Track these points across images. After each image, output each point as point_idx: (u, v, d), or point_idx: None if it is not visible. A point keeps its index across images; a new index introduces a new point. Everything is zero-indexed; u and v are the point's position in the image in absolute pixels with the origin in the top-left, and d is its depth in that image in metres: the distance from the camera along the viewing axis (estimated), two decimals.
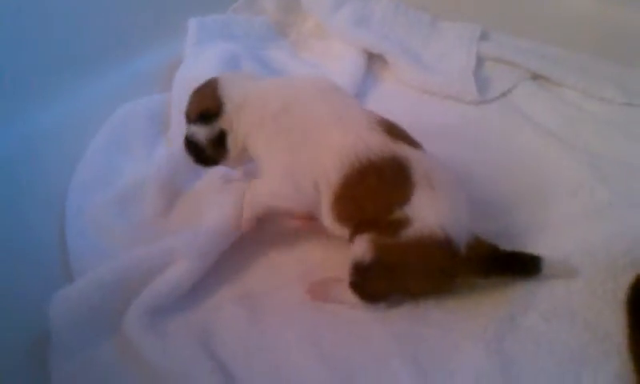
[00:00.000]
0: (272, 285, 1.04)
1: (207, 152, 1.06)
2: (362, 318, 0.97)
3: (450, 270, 0.92)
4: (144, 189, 1.19)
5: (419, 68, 1.59)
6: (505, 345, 0.91)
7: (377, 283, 0.94)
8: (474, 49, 1.65)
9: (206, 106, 1.04)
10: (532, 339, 0.91)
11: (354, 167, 0.92)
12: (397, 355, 0.90)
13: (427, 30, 1.76)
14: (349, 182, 0.93)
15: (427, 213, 0.89)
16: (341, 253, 0.99)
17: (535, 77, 1.58)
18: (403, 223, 0.89)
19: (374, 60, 1.65)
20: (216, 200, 1.09)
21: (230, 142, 1.04)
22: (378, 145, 0.93)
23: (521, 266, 0.97)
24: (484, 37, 1.72)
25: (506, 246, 0.98)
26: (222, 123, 1.03)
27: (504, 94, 1.54)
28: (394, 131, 0.97)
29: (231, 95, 1.03)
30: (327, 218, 0.97)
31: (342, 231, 0.97)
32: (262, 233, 1.10)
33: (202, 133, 1.04)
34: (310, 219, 1.05)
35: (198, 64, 1.46)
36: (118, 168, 1.26)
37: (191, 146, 1.07)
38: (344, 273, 0.96)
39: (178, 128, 1.21)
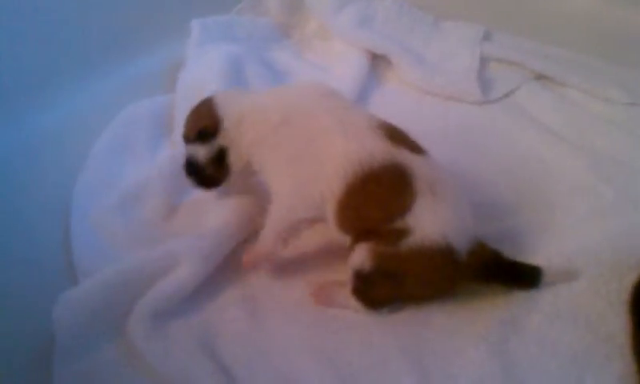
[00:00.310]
0: (274, 287, 1.04)
1: (207, 171, 1.06)
2: (364, 321, 0.96)
3: (450, 277, 0.92)
4: (147, 192, 1.19)
5: (422, 68, 1.58)
6: (508, 347, 0.90)
7: (379, 290, 0.94)
8: (477, 49, 1.64)
9: (204, 125, 1.04)
10: (535, 341, 0.91)
11: (357, 176, 0.91)
12: (399, 359, 0.90)
13: (431, 31, 1.76)
14: (351, 191, 0.92)
15: (429, 222, 0.88)
16: (345, 255, 0.99)
17: (539, 77, 1.57)
18: (404, 233, 0.88)
19: (377, 61, 1.65)
20: (219, 203, 1.09)
21: (233, 157, 1.04)
22: (380, 152, 0.92)
23: (521, 276, 0.96)
24: (487, 37, 1.72)
25: (510, 246, 0.98)
26: (221, 141, 1.03)
27: (507, 95, 1.54)
28: (395, 136, 0.96)
29: (228, 112, 1.03)
30: (332, 226, 0.97)
31: (346, 239, 0.97)
32: None
33: (201, 152, 1.04)
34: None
35: (202, 65, 1.46)
36: (122, 171, 1.26)
37: (191, 167, 1.06)
38: (347, 276, 0.95)
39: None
